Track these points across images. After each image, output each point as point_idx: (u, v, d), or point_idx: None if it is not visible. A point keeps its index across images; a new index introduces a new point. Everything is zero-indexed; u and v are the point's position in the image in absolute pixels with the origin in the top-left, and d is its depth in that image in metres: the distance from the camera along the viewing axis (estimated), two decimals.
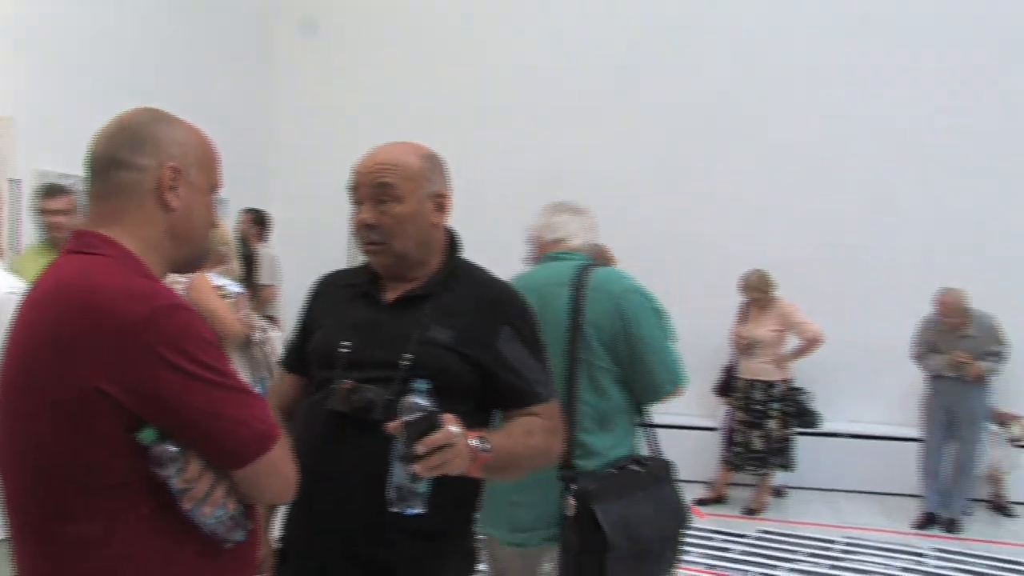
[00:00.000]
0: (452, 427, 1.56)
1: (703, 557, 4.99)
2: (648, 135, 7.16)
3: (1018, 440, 6.30)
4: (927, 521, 5.79)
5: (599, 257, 3.00)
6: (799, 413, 6.65)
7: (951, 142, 6.72)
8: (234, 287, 3.81)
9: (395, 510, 1.57)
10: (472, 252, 2.02)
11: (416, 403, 1.55)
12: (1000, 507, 6.13)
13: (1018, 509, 6.11)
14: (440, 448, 1.53)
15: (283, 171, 7.81)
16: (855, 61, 6.89)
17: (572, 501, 2.32)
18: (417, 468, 1.53)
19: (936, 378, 5.83)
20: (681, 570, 4.67)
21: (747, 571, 4.73)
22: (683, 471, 6.64)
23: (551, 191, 7.15)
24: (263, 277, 5.94)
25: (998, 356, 5.69)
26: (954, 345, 5.69)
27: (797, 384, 6.72)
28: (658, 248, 6.98)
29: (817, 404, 6.79)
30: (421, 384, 1.58)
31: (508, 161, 7.23)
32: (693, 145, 7.12)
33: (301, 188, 7.63)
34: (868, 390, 6.74)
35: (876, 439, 6.43)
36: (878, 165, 6.85)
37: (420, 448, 1.53)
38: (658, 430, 6.78)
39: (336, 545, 1.77)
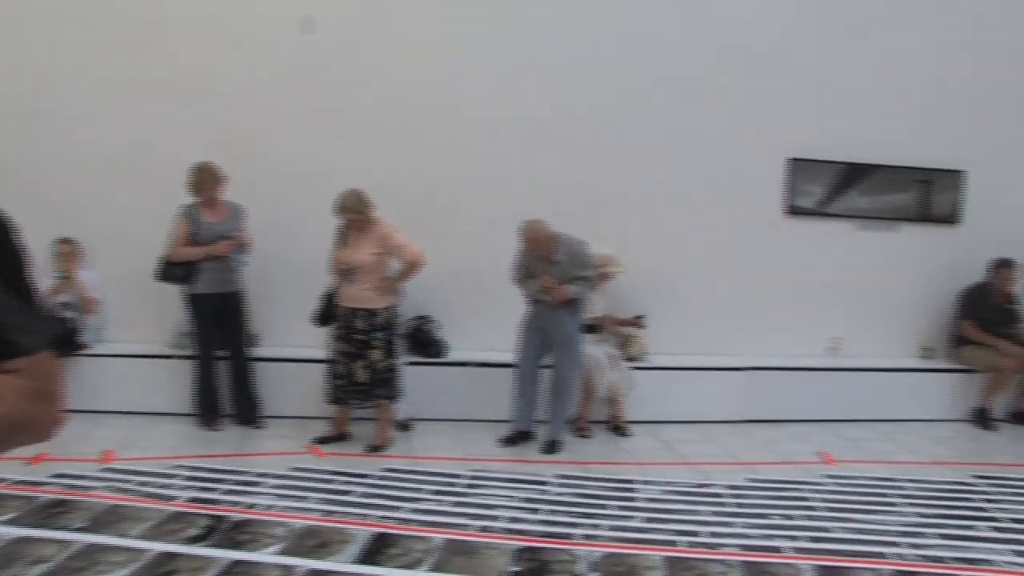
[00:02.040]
0: None
1: (321, 503, 4.66)
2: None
3: (636, 360, 6.70)
4: (516, 439, 6.03)
5: None
6: (425, 343, 6.58)
7: (555, 84, 6.93)
8: None
9: None
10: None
11: None
12: (618, 428, 6.48)
13: (635, 428, 6.49)
14: None
15: None
16: None
17: None
18: None
19: (533, 302, 6.01)
20: (294, 519, 4.39)
21: (366, 515, 4.47)
22: (303, 407, 6.43)
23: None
24: None
25: (586, 280, 5.93)
26: (544, 271, 5.85)
27: (423, 313, 6.66)
28: (259, 169, 6.58)
29: (443, 333, 6.78)
30: None
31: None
32: (305, 70, 6.74)
33: None
34: (491, 317, 6.79)
35: (502, 367, 6.47)
36: (486, 98, 6.89)
37: None
38: (277, 364, 6.45)
39: None
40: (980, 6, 7.66)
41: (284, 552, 3.91)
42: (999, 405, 7.42)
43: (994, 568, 4.21)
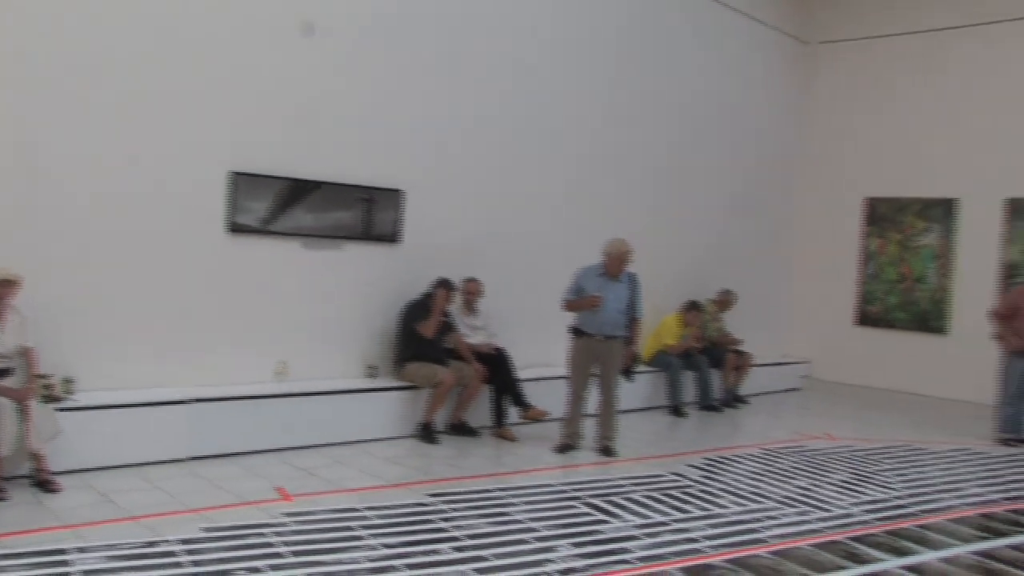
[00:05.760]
0: None
1: None
2: None
3: (57, 401, 5.85)
4: None
5: None
6: None
7: None
8: None
9: None
10: None
11: None
12: (43, 483, 5.54)
13: (65, 480, 5.61)
14: None
15: None
16: None
17: None
18: None
19: None
20: None
21: None
22: None
23: None
24: None
25: None
26: None
27: None
28: None
29: None
30: None
31: None
32: None
33: None
34: None
35: None
36: None
37: None
38: None
39: None
40: (423, 37, 8.07)
41: None
42: (440, 418, 7.81)
43: None
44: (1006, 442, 9.18)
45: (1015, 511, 6.49)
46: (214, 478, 6.02)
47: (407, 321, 7.88)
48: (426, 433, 7.64)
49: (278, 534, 4.96)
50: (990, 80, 12.06)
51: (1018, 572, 5.11)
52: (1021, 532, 5.93)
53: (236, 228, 7.09)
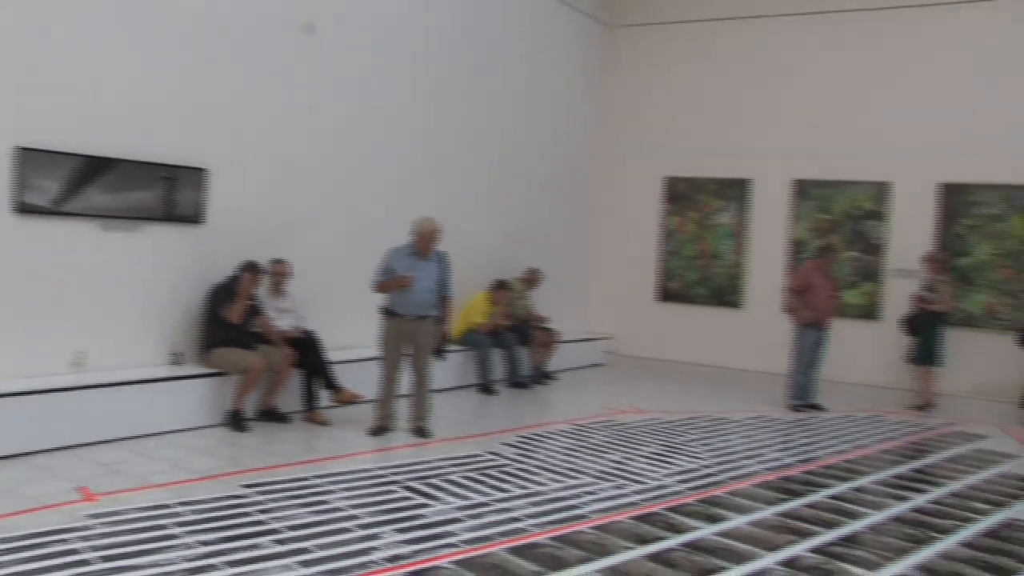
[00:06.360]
0: None
1: None
2: None
3: None
4: None
5: None
6: None
7: None
8: None
9: None
10: None
11: None
12: None
13: None
14: None
15: None
16: None
17: None
18: None
19: None
20: None
21: None
22: None
23: None
24: None
25: None
26: None
27: None
28: None
29: None
30: None
31: None
32: None
33: None
34: None
35: None
36: None
37: None
38: None
39: None
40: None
41: None
42: (249, 404, 7.58)
43: None
44: (797, 408, 9.84)
45: (809, 472, 6.96)
46: (5, 482, 5.59)
47: (212, 306, 7.59)
48: (235, 421, 7.39)
49: (83, 539, 4.66)
50: (777, 68, 12.77)
51: (816, 528, 5.48)
52: (815, 491, 6.37)
53: (24, 208, 6.58)
